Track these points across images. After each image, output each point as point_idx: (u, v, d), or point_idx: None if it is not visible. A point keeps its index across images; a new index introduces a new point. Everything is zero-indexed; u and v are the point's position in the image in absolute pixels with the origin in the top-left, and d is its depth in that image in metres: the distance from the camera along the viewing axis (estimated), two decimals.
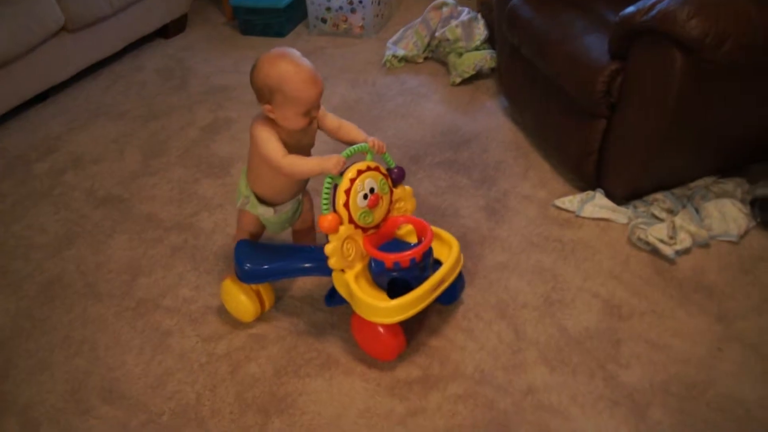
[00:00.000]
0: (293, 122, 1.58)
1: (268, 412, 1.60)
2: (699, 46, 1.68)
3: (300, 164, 1.59)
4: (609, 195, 2.08)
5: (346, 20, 3.25)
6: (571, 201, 2.10)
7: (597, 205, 2.06)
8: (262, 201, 1.74)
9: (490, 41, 2.80)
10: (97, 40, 3.02)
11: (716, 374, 1.64)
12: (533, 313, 1.79)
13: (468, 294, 1.85)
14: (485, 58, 2.72)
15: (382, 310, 1.57)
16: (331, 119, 1.71)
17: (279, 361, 1.71)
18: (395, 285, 1.60)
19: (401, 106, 2.67)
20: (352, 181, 1.55)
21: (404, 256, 1.57)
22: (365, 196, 1.57)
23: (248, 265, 1.71)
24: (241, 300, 1.77)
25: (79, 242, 2.14)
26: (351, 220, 1.58)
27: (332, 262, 1.58)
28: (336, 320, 1.80)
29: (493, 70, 2.74)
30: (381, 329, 1.62)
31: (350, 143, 1.67)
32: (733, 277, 1.88)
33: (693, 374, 1.63)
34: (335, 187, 1.57)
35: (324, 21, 3.30)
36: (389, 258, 1.58)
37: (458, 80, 2.74)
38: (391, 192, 1.67)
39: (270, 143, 1.59)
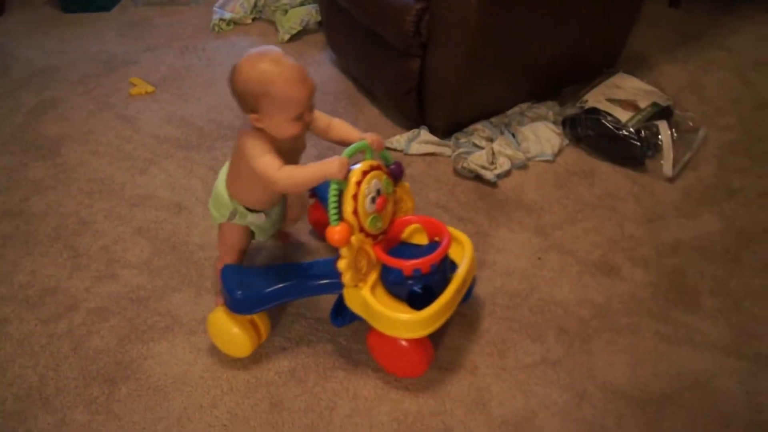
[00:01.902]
0: (285, 130, 1.39)
1: (114, 380, 1.60)
2: None
3: (299, 175, 1.38)
4: (432, 130, 2.18)
5: None
6: (398, 140, 2.18)
7: (422, 141, 2.15)
8: (249, 209, 1.58)
9: None
10: None
11: (537, 281, 1.78)
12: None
13: (302, 239, 1.91)
14: (310, 13, 2.75)
15: (413, 323, 1.42)
16: (320, 118, 1.52)
17: (122, 331, 1.71)
18: (416, 293, 1.46)
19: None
20: (359, 184, 1.39)
21: (424, 262, 1.42)
22: (373, 200, 1.42)
23: (240, 292, 1.52)
24: (233, 333, 1.57)
25: None
26: (361, 229, 1.42)
27: (347, 279, 1.42)
28: (176, 283, 1.81)
29: (320, 23, 2.77)
30: (405, 344, 1.47)
31: (342, 143, 1.52)
32: (549, 192, 2.03)
33: (516, 284, 1.77)
34: (340, 193, 1.40)
35: None
36: (408, 265, 1.42)
37: (287, 37, 2.75)
38: (394, 191, 1.52)
39: (264, 158, 1.39)
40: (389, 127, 2.28)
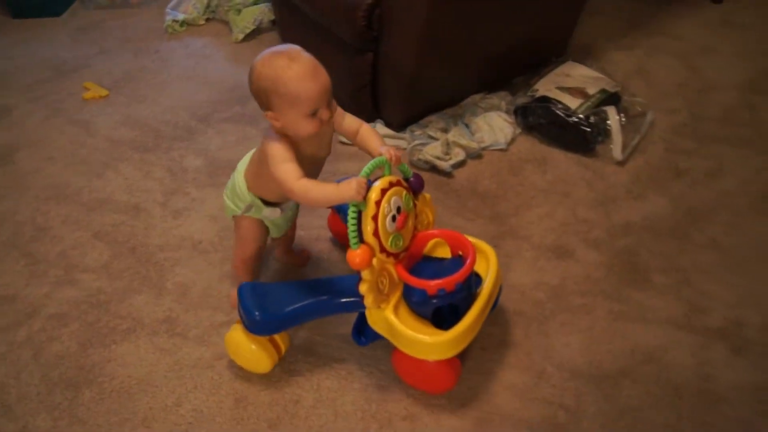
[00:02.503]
0: (300, 127, 1.35)
1: (78, 385, 1.59)
2: None
3: (315, 192, 1.34)
4: (388, 124, 2.21)
5: None
6: None
7: None
8: (266, 203, 1.55)
9: None
10: None
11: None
12: (326, 243, 1.90)
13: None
14: (263, 12, 2.76)
15: (439, 345, 1.39)
16: (349, 121, 1.48)
17: (83, 335, 1.70)
18: (441, 313, 1.43)
19: (187, 69, 2.66)
20: (378, 203, 1.33)
21: (449, 282, 1.38)
22: (393, 218, 1.36)
23: (258, 313, 1.46)
24: (252, 350, 1.53)
25: None
26: (382, 249, 1.37)
27: (369, 301, 1.37)
28: (136, 285, 1.81)
29: (273, 22, 2.78)
30: (432, 362, 1.44)
31: (366, 152, 1.49)
32: (503, 180, 2.07)
33: None
34: (359, 214, 1.35)
35: None
36: (432, 285, 1.38)
37: (241, 36, 2.76)
38: (414, 205, 1.47)
39: (284, 165, 1.35)
40: None
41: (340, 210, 1.71)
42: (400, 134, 2.19)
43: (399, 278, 1.44)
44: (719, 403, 1.52)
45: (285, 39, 2.58)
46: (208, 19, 2.96)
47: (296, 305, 1.48)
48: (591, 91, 2.19)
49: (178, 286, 1.81)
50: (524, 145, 2.20)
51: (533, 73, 2.35)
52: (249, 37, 2.78)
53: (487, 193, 2.02)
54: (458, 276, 1.38)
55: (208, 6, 2.93)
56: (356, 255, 1.32)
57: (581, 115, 2.10)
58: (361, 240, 1.35)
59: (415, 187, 1.48)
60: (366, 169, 1.34)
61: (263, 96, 1.36)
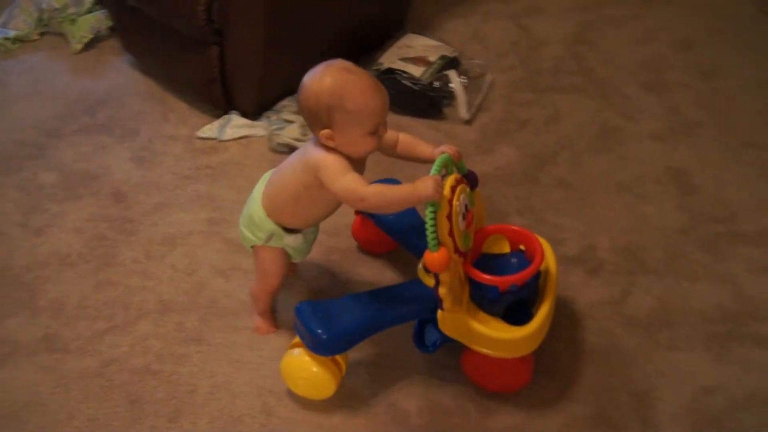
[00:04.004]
0: (360, 146, 1.31)
1: None
2: None
3: (390, 194, 1.30)
4: (243, 114, 2.23)
5: None
6: (211, 129, 2.21)
7: (235, 125, 2.20)
8: (287, 230, 1.48)
9: (101, 2, 2.76)
10: None
11: None
12: (199, 236, 1.91)
13: (131, 239, 1.91)
14: (100, 19, 2.68)
15: (525, 340, 1.39)
16: (388, 133, 1.39)
17: None
18: (514, 308, 1.42)
19: (27, 86, 2.55)
20: (451, 202, 1.30)
21: (521, 277, 1.37)
22: (464, 216, 1.34)
23: (322, 332, 1.38)
24: (313, 373, 1.44)
25: None
26: (456, 249, 1.32)
27: (448, 305, 1.33)
28: (7, 309, 1.76)
29: (111, 29, 2.71)
30: (510, 359, 1.44)
31: (412, 159, 1.44)
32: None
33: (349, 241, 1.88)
34: (435, 214, 1.28)
35: None
36: (504, 281, 1.36)
37: (79, 47, 2.67)
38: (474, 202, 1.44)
39: (347, 176, 1.29)
40: (199, 117, 2.28)
41: (373, 215, 1.69)
42: (257, 122, 2.22)
43: (466, 277, 1.41)
44: (584, 320, 1.68)
45: (127, 44, 2.54)
46: (42, 33, 2.84)
47: (363, 319, 1.43)
48: (432, 58, 2.31)
49: (52, 303, 1.77)
50: None
51: (376, 48, 2.44)
52: (88, 46, 2.69)
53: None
54: (531, 270, 1.38)
55: (39, 19, 2.80)
56: (436, 258, 1.27)
57: (425, 82, 2.22)
58: (439, 242, 1.30)
59: (472, 183, 1.46)
60: (435, 167, 1.31)
61: (324, 113, 1.29)
